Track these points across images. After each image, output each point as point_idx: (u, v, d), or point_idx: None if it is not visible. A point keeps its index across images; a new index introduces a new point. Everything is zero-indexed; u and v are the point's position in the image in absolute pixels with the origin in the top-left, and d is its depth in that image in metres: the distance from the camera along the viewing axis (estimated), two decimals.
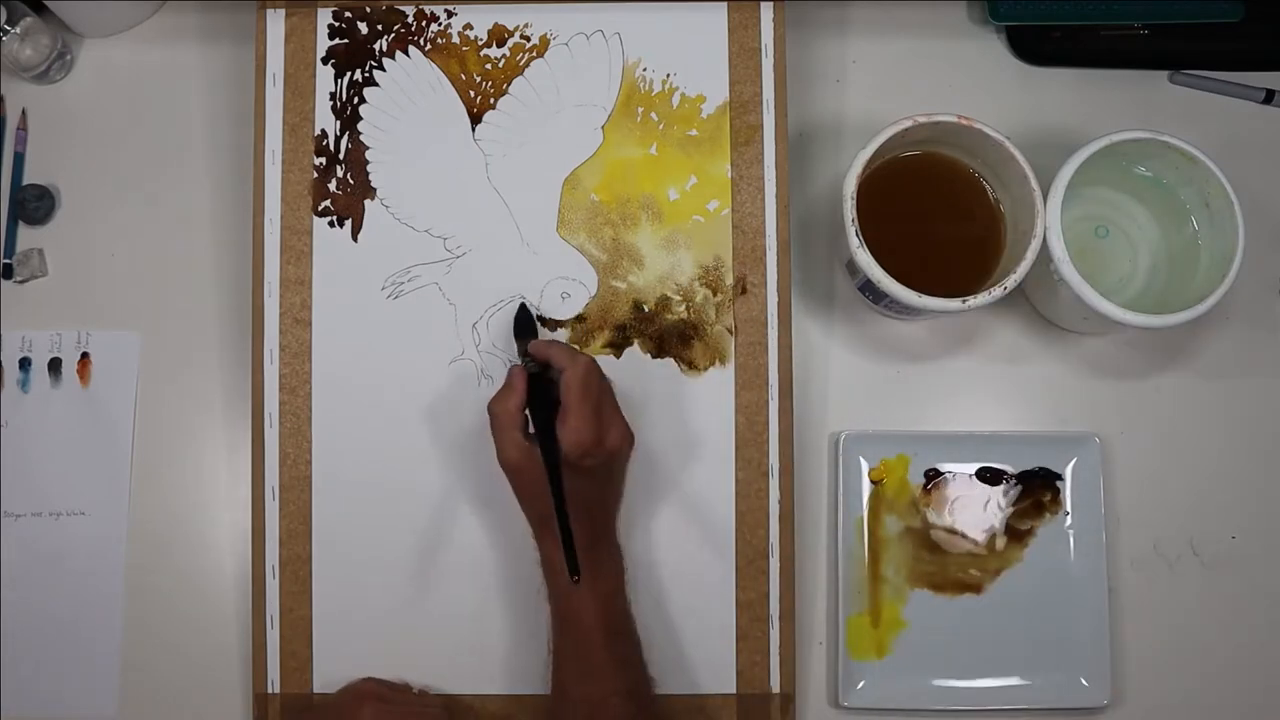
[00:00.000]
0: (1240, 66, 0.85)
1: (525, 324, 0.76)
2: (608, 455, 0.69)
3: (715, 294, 0.77)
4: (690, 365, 0.77)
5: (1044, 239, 0.73)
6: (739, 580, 0.76)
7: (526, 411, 0.70)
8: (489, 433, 0.69)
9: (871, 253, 0.72)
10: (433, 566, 0.76)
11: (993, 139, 0.74)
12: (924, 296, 0.72)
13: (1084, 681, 0.77)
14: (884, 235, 0.73)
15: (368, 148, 0.78)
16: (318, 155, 0.78)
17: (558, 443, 0.67)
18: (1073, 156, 0.74)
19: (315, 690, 0.76)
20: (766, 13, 0.78)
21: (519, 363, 0.73)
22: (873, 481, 0.79)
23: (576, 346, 0.77)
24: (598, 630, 0.68)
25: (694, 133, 0.78)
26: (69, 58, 0.85)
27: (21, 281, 0.82)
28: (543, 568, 0.70)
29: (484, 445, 0.76)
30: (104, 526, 0.80)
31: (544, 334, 0.77)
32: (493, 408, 0.70)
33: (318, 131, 0.78)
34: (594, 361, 0.70)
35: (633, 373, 0.76)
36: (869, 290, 0.75)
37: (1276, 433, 0.81)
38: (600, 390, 0.69)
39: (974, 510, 0.79)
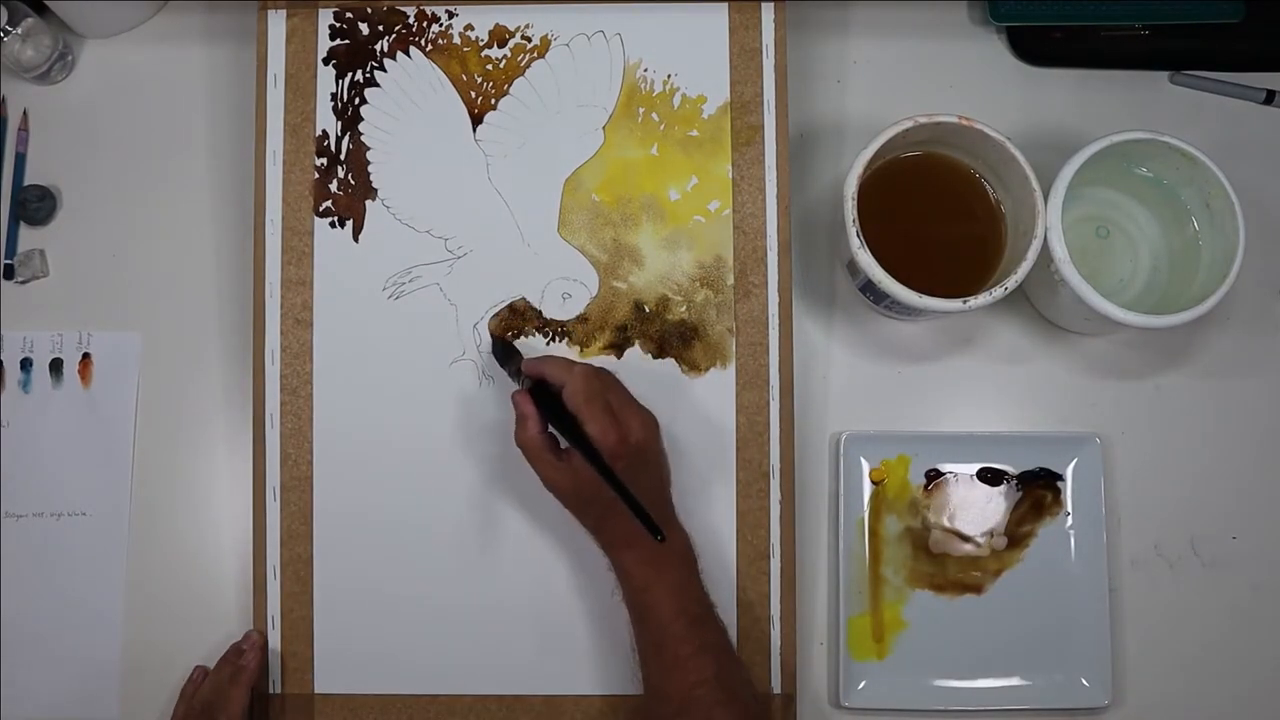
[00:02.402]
0: (1240, 67, 0.85)
1: (505, 352, 0.76)
2: (637, 449, 0.68)
3: (716, 294, 0.77)
4: (691, 366, 0.77)
5: (1045, 239, 0.73)
6: (740, 581, 0.76)
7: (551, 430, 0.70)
8: (524, 464, 0.69)
9: (872, 253, 0.73)
10: (434, 566, 0.76)
11: (993, 139, 0.74)
12: (925, 297, 0.72)
13: (1084, 681, 0.77)
14: (885, 236, 0.73)
15: (369, 148, 0.79)
16: (319, 156, 0.78)
17: (589, 438, 0.67)
18: (1074, 157, 0.74)
19: (316, 691, 0.76)
20: (767, 13, 0.78)
21: (517, 388, 0.72)
22: (873, 482, 0.79)
23: (572, 355, 0.77)
24: (676, 622, 0.68)
25: (695, 133, 0.78)
26: (70, 58, 0.85)
27: (23, 282, 0.82)
28: (614, 571, 0.71)
29: (486, 445, 0.77)
30: (104, 526, 0.80)
31: (532, 349, 0.77)
32: (519, 440, 0.69)
33: (319, 132, 0.78)
34: (588, 366, 0.70)
35: (634, 373, 0.76)
36: (870, 290, 0.75)
37: (1276, 433, 0.81)
38: (605, 390, 0.69)
39: (975, 511, 0.79)
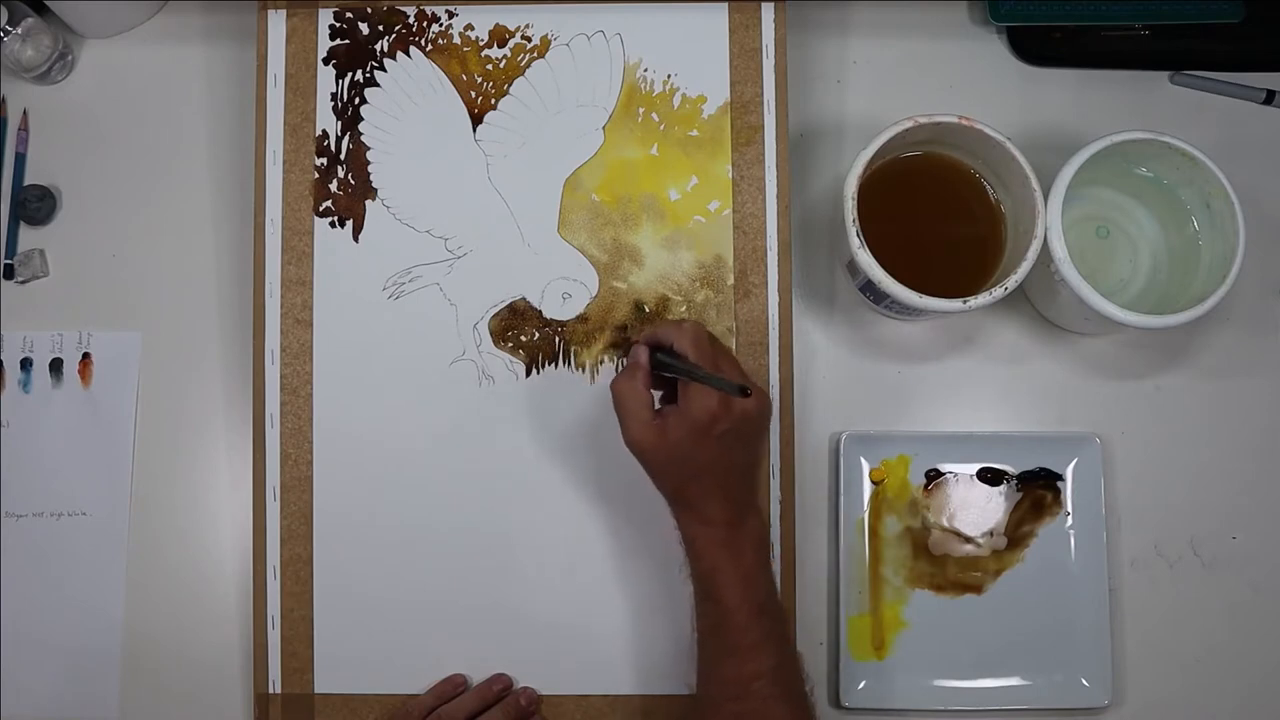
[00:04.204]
0: (1241, 67, 0.85)
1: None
2: (739, 419, 0.66)
3: (716, 294, 0.77)
4: None
5: (1045, 239, 0.73)
6: None
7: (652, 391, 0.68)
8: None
9: (872, 253, 0.73)
10: (434, 566, 0.76)
11: (994, 139, 0.74)
12: (925, 297, 0.72)
13: (1084, 681, 0.77)
14: (885, 236, 0.73)
15: (369, 148, 0.79)
16: (319, 156, 0.78)
17: (699, 370, 0.66)
18: (1074, 157, 0.74)
19: (316, 691, 0.76)
20: (767, 13, 0.79)
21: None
22: (873, 482, 0.79)
23: (571, 357, 0.77)
24: (741, 610, 0.66)
25: (695, 133, 0.78)
26: (70, 58, 0.85)
27: (23, 282, 0.82)
28: (684, 546, 0.69)
29: (486, 445, 0.77)
30: (104, 526, 0.80)
31: None
32: (619, 387, 0.67)
33: (319, 132, 0.78)
34: (700, 325, 0.69)
35: None
36: (870, 290, 0.75)
37: (1276, 433, 0.81)
38: (715, 352, 0.68)
39: (975, 511, 0.79)
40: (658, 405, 0.69)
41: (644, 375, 0.68)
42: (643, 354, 0.68)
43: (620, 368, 0.77)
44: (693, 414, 0.65)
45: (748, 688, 0.66)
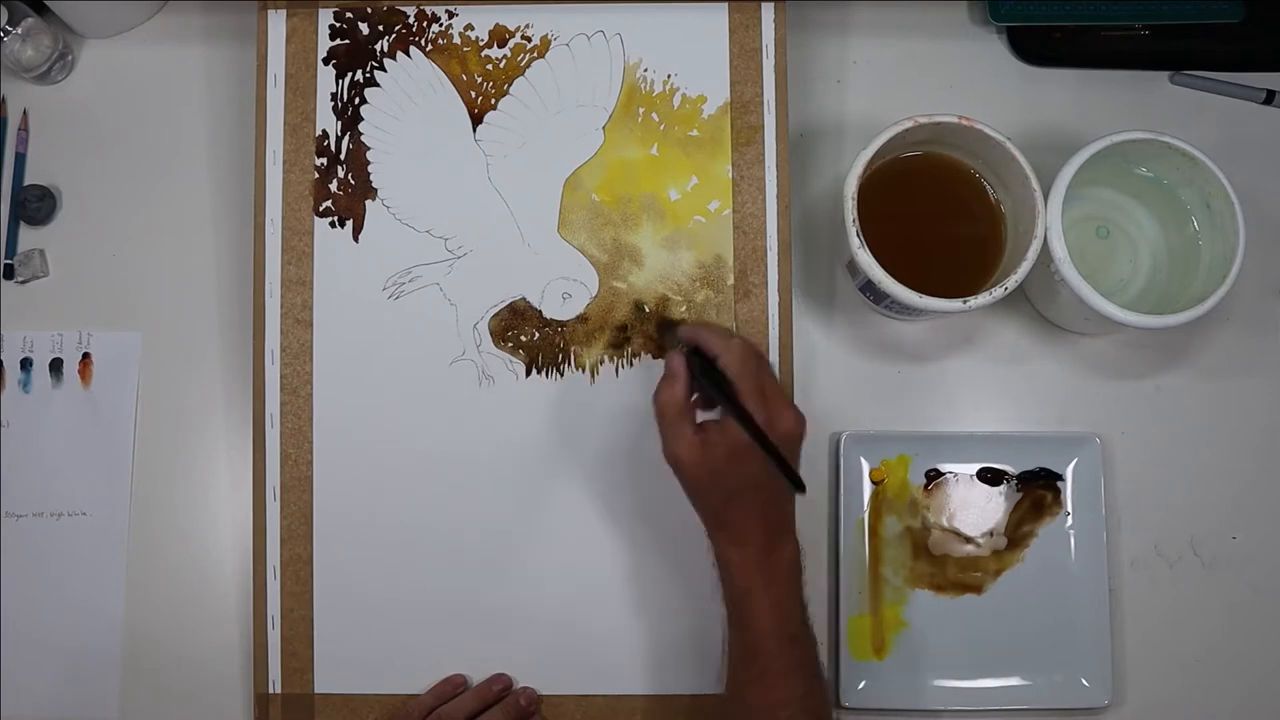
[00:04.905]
0: (1241, 67, 0.85)
1: (666, 325, 0.74)
2: (782, 441, 0.65)
3: (716, 294, 0.77)
4: None
5: (1045, 239, 0.73)
6: None
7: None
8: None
9: (872, 253, 0.73)
10: (434, 566, 0.76)
11: (994, 139, 0.74)
12: (925, 297, 0.72)
13: (1084, 681, 0.77)
14: (885, 236, 0.73)
15: (369, 148, 0.79)
16: (319, 156, 0.78)
17: (744, 407, 0.64)
18: (1074, 157, 0.74)
19: (316, 691, 0.76)
20: (767, 13, 0.78)
21: (676, 350, 0.69)
22: (873, 482, 0.79)
23: (571, 356, 0.77)
24: (773, 638, 0.65)
25: (695, 133, 0.78)
26: (70, 58, 0.85)
27: (23, 282, 0.82)
28: (718, 568, 0.68)
29: (486, 445, 0.77)
30: (104, 526, 0.80)
31: None
32: (659, 399, 0.66)
33: (319, 132, 0.78)
34: (749, 343, 0.67)
35: (634, 373, 0.76)
36: (870, 290, 0.75)
37: (1276, 433, 0.81)
38: (760, 372, 0.66)
39: (975, 511, 0.79)
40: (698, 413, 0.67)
41: (684, 385, 0.66)
42: (679, 364, 0.67)
43: (622, 368, 0.76)
44: (735, 433, 0.64)
45: (774, 715, 0.65)
